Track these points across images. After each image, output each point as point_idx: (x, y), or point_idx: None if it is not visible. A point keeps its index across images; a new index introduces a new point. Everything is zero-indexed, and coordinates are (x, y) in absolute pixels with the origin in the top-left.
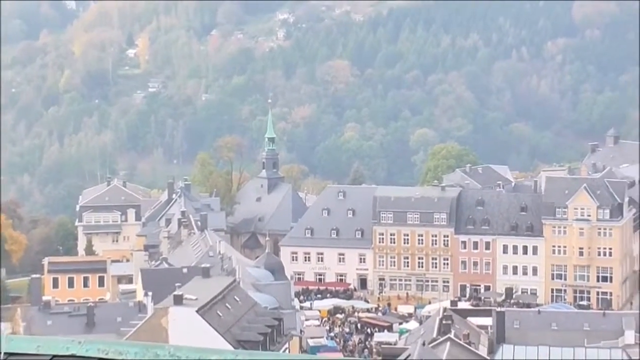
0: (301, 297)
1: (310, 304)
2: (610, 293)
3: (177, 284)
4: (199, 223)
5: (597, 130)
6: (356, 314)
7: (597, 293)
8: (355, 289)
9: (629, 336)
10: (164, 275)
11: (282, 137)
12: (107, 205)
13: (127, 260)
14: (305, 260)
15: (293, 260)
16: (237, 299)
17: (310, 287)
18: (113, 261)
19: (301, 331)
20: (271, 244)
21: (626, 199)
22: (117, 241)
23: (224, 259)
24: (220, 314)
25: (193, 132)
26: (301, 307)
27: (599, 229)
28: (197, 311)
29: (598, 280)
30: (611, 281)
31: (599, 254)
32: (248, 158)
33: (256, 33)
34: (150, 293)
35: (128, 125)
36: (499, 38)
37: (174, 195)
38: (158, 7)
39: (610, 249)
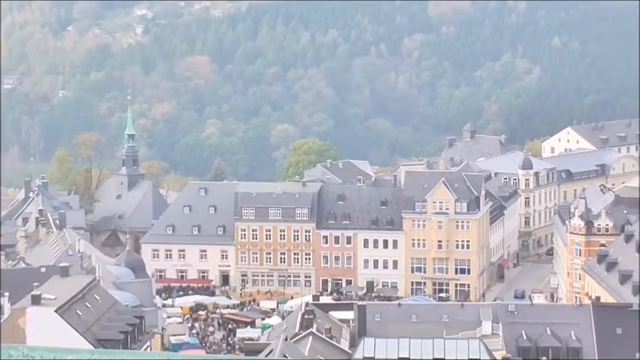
0: (163, 295)
1: (172, 301)
2: (468, 285)
3: (35, 284)
4: (57, 221)
5: (454, 124)
6: (218, 310)
7: (456, 285)
8: (217, 286)
9: (487, 326)
10: (21, 275)
11: (142, 133)
12: None
13: None
14: (167, 258)
15: (154, 257)
16: (97, 298)
17: (172, 284)
18: None
19: (163, 329)
20: (132, 241)
21: (483, 192)
22: None
23: (84, 258)
24: (80, 313)
25: (50, 129)
26: (163, 305)
27: (457, 222)
28: (55, 311)
29: (456, 273)
30: (469, 273)
31: (457, 247)
32: (107, 155)
33: (114, 29)
34: (7, 294)
35: None
36: (358, 35)
37: (30, 194)
38: (12, 3)
39: (468, 241)
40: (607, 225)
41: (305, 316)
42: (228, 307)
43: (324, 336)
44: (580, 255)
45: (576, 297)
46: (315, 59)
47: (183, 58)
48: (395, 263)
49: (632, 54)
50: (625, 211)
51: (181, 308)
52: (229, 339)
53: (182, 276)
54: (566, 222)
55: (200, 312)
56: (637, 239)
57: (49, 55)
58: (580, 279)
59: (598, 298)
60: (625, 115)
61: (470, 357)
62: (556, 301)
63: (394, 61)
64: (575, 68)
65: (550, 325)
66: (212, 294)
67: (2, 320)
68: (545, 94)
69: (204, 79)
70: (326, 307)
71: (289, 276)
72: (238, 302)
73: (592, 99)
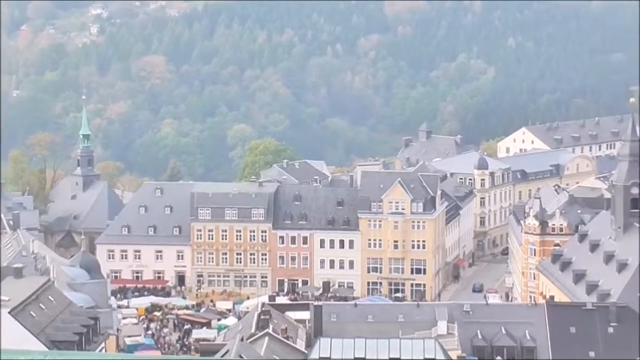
0: (118, 296)
1: (128, 302)
2: (424, 285)
3: None
4: (11, 222)
5: (410, 125)
6: (174, 311)
7: (412, 285)
8: (173, 286)
9: (442, 326)
10: None
11: (97, 133)
12: None
13: None
14: (122, 258)
15: (110, 258)
16: (52, 299)
17: (128, 285)
18: None
19: (118, 330)
20: (87, 242)
21: (438, 192)
22: None
23: (38, 259)
24: (34, 315)
25: (4, 129)
26: (118, 306)
27: (413, 222)
28: (9, 312)
29: (412, 273)
30: (424, 273)
31: (413, 247)
32: (62, 155)
33: (69, 28)
34: None
35: None
36: (314, 34)
37: None
38: None
39: (424, 241)
40: (561, 225)
41: (262, 316)
42: (184, 307)
43: (280, 336)
44: (534, 254)
45: (531, 297)
46: (271, 59)
47: (139, 58)
48: (351, 263)
49: (585, 54)
50: (579, 211)
51: (136, 309)
52: (185, 339)
53: (137, 277)
54: (521, 222)
55: (156, 313)
56: (590, 238)
57: (3, 55)
58: (534, 278)
59: (552, 297)
60: (579, 116)
61: (426, 356)
62: (511, 301)
63: (350, 61)
64: (529, 68)
65: (505, 324)
66: (168, 294)
67: None
68: (500, 94)
69: (159, 79)
70: (282, 308)
71: (245, 276)
72: (194, 302)
73: (547, 99)
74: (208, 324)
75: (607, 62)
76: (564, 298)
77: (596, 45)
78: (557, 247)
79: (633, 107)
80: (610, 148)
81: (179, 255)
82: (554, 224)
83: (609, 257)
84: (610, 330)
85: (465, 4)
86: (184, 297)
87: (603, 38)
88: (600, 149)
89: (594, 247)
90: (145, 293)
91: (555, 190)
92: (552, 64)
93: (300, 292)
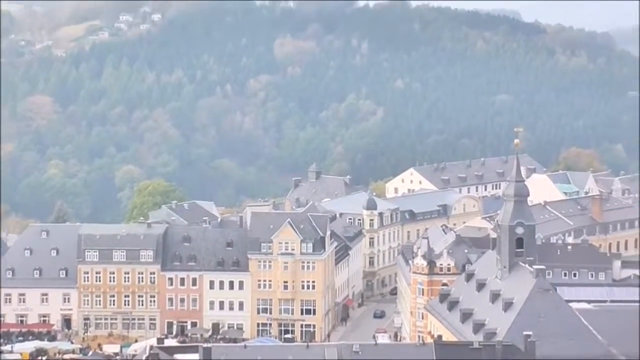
0: (2, 340)
1: (12, 347)
2: (314, 325)
3: None
4: None
5: (300, 165)
6: (60, 355)
7: (301, 326)
8: (59, 330)
9: None
10: None
11: None
12: None
13: None
14: (6, 302)
15: None
16: None
17: (12, 330)
18: None
19: None
20: None
21: (328, 233)
22: None
23: None
24: None
25: None
26: (1, 351)
27: (303, 262)
28: None
29: (302, 313)
30: (314, 314)
31: (303, 287)
32: None
33: None
34: None
35: None
36: (203, 75)
37: None
38: None
39: (314, 281)
40: (448, 264)
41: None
42: (70, 352)
43: None
44: (423, 294)
45: (419, 336)
46: (160, 99)
47: (25, 97)
48: (241, 304)
49: (470, 96)
50: (466, 251)
51: (21, 354)
52: None
53: (22, 321)
54: (409, 261)
55: (41, 358)
56: (477, 277)
57: None
58: (423, 318)
59: (440, 337)
60: (465, 156)
61: None
62: (400, 340)
63: (239, 102)
64: (417, 109)
65: None
66: (54, 338)
67: None
68: (388, 134)
69: (46, 119)
70: (171, 350)
71: (134, 319)
72: (80, 346)
73: (434, 139)
74: None
75: (492, 103)
76: (451, 337)
77: (481, 87)
78: (444, 287)
79: (517, 148)
80: (496, 188)
81: (65, 298)
82: (441, 264)
83: (495, 296)
84: None
85: (353, 45)
86: (70, 341)
87: (488, 80)
88: (486, 189)
89: (481, 286)
90: (30, 337)
91: (443, 230)
92: (439, 105)
93: (190, 334)
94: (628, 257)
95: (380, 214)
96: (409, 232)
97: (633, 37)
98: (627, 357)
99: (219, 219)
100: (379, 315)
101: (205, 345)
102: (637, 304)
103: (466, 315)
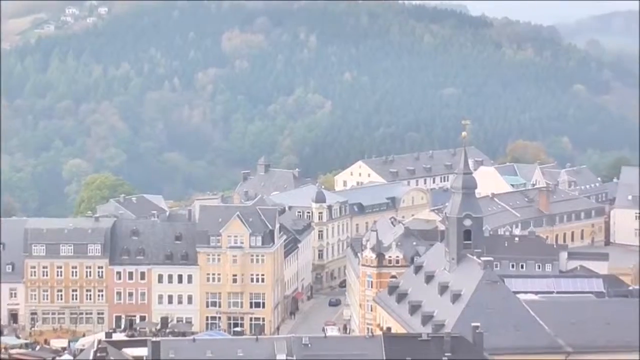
0: None
1: None
2: (263, 319)
3: None
4: None
5: (248, 158)
6: (6, 350)
7: (251, 319)
8: (5, 325)
9: None
10: None
11: None
12: None
13: None
14: None
15: None
16: None
17: None
18: None
19: None
20: None
21: (277, 226)
22: None
23: None
24: None
25: None
26: None
27: (252, 255)
28: None
29: (251, 307)
30: (264, 307)
31: (252, 281)
32: None
33: None
34: None
35: None
36: (151, 68)
37: None
38: None
39: (263, 275)
40: (397, 257)
41: (98, 354)
42: (17, 346)
43: None
44: (372, 286)
45: (368, 329)
46: (107, 93)
47: None
48: (190, 298)
49: (418, 89)
50: (414, 243)
51: None
52: None
53: None
54: (358, 254)
55: None
56: (426, 270)
57: None
58: (372, 310)
59: (389, 329)
60: (413, 149)
61: None
62: (349, 333)
63: (187, 95)
64: (365, 102)
65: (343, 357)
66: (0, 333)
67: None
68: (337, 127)
69: None
70: (119, 344)
71: (82, 313)
72: (27, 341)
73: (382, 132)
74: None
75: (440, 96)
76: (400, 329)
77: (429, 80)
78: (393, 279)
79: (465, 140)
80: (444, 181)
81: (11, 293)
82: (390, 256)
83: (443, 288)
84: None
85: (301, 39)
86: (17, 336)
87: (435, 73)
88: (434, 182)
89: (429, 278)
90: None
91: (392, 222)
92: (387, 98)
93: (138, 328)
94: (574, 248)
95: (329, 207)
96: (357, 224)
97: (578, 30)
98: (573, 348)
99: (168, 213)
100: (334, 304)
101: (154, 339)
102: (584, 295)
103: (415, 308)
